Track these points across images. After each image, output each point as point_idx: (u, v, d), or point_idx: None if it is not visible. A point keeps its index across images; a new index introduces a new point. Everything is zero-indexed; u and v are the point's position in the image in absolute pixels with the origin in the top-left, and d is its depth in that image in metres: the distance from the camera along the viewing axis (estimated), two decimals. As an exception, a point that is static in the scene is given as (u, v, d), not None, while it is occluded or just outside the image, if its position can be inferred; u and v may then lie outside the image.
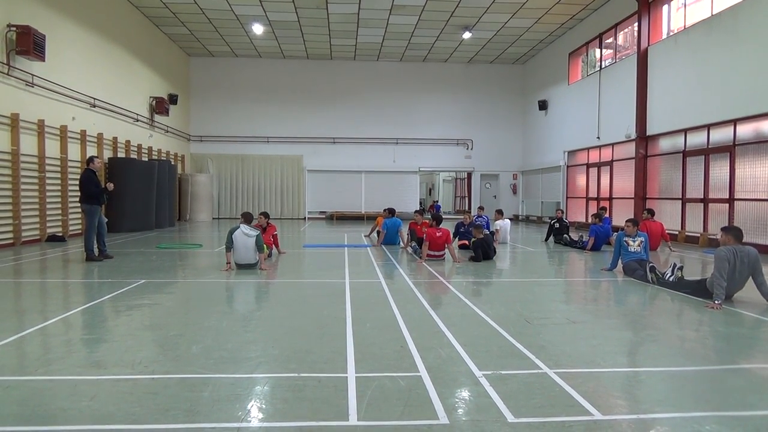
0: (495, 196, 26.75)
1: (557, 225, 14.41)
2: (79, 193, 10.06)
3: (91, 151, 15.28)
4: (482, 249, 10.42)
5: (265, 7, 18.51)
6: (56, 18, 13.78)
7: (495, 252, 10.91)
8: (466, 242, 11.66)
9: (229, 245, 8.75)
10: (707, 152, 13.83)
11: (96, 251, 9.97)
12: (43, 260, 10.22)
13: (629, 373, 4.06)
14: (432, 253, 10.26)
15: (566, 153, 21.81)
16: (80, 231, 14.06)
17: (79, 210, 11.32)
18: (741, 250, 6.40)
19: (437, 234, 10.25)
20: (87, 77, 15.32)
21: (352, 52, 24.46)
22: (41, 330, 5.11)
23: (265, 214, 10.70)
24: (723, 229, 6.74)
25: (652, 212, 12.85)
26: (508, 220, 14.60)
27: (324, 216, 25.96)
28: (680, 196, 14.85)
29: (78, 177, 10.37)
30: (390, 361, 4.17)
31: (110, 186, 10.18)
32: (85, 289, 7.57)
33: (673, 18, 16.07)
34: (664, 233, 12.54)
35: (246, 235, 8.75)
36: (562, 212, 15.40)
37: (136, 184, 16.37)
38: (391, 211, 13.69)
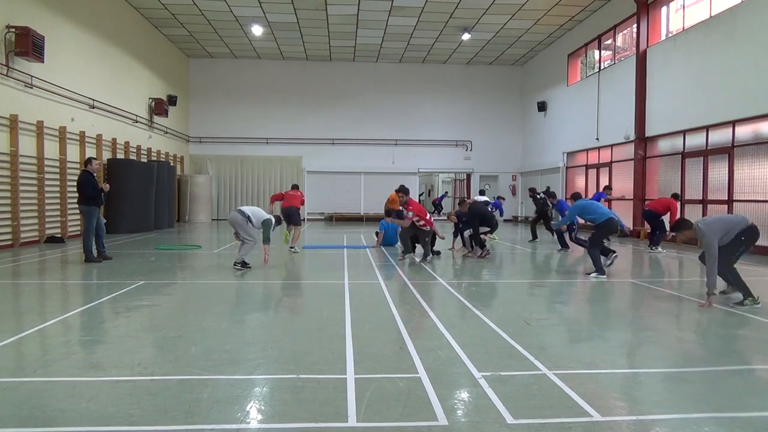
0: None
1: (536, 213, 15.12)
2: (77, 195, 10.07)
3: (90, 152, 15.27)
4: (479, 218, 11.00)
5: (264, 8, 18.52)
6: (55, 19, 13.78)
7: (497, 224, 11.63)
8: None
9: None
10: (706, 153, 13.84)
11: (95, 252, 9.97)
12: (42, 261, 10.21)
13: (628, 374, 4.07)
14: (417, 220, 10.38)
15: (565, 154, 21.82)
16: (79, 232, 14.04)
17: (78, 211, 11.33)
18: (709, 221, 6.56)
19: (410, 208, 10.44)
20: (86, 78, 15.31)
21: (352, 54, 24.47)
22: (40, 331, 5.10)
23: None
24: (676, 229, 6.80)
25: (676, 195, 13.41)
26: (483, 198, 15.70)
27: (323, 217, 25.96)
28: (679, 198, 14.84)
29: (77, 178, 10.37)
30: (389, 362, 4.17)
31: (106, 187, 10.15)
32: (83, 291, 7.56)
33: (671, 19, 16.10)
34: (673, 212, 12.59)
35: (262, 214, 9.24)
36: (533, 190, 15.71)
37: (135, 186, 16.36)
38: (389, 213, 13.68)
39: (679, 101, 14.67)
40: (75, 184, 10.33)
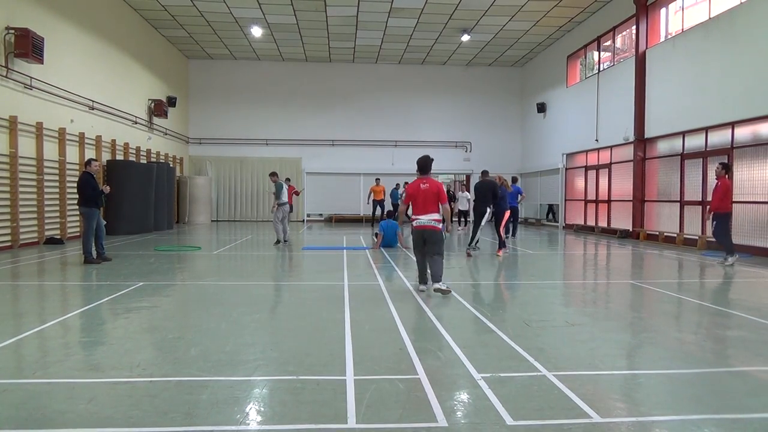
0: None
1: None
2: (77, 196, 10.07)
3: (90, 153, 15.26)
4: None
5: (263, 9, 18.53)
6: (55, 21, 13.78)
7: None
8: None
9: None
10: (705, 155, 13.85)
11: (94, 254, 9.96)
12: (41, 263, 10.20)
13: (628, 375, 4.06)
14: (418, 217, 7.20)
15: (565, 155, 21.82)
16: (78, 233, 14.04)
17: (78, 212, 11.32)
18: None
19: (422, 186, 7.12)
20: (86, 80, 15.31)
21: (351, 55, 24.48)
22: (39, 333, 5.09)
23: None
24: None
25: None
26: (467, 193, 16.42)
27: (323, 218, 25.95)
28: (678, 199, 14.86)
29: (76, 179, 10.38)
30: (389, 363, 4.16)
31: (106, 189, 10.17)
32: (83, 292, 7.55)
33: (671, 21, 16.12)
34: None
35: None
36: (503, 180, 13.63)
37: (134, 187, 16.35)
38: (389, 214, 13.76)
39: (679, 103, 14.68)
40: (75, 185, 10.33)
